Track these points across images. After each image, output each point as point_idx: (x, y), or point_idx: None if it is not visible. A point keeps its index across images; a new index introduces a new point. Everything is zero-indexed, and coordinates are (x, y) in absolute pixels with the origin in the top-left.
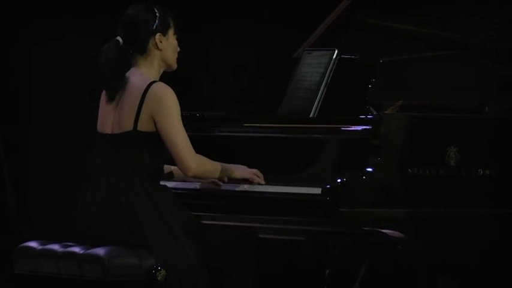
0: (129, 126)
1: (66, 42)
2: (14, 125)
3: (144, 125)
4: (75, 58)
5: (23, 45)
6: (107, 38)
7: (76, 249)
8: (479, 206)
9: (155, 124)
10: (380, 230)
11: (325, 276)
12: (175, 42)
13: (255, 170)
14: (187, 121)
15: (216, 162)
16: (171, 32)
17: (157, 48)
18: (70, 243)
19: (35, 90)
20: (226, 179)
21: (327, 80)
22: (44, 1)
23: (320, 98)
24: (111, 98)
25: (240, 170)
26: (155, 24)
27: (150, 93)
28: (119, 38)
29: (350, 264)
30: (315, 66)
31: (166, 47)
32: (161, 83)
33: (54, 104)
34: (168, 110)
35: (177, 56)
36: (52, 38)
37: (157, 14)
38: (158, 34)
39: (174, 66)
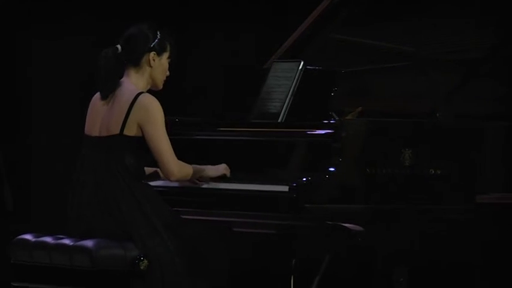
0: (116, 131)
1: (66, 42)
2: (12, 124)
3: (130, 130)
4: (75, 58)
5: (22, 45)
6: (103, 40)
7: (67, 241)
8: (431, 202)
9: (142, 131)
10: (342, 223)
11: (292, 265)
12: (167, 65)
13: (223, 166)
14: (166, 126)
15: (192, 166)
16: (165, 55)
17: (149, 65)
18: (61, 236)
19: (34, 88)
20: (197, 180)
21: (294, 89)
22: (44, 1)
23: (287, 105)
24: (104, 98)
25: (211, 170)
26: (154, 43)
27: (137, 103)
28: (118, 46)
29: (315, 255)
30: (283, 76)
31: (157, 66)
32: (148, 94)
33: (50, 103)
34: (154, 119)
35: (165, 78)
36: (52, 39)
37: (158, 36)
38: (153, 52)
39: (160, 86)
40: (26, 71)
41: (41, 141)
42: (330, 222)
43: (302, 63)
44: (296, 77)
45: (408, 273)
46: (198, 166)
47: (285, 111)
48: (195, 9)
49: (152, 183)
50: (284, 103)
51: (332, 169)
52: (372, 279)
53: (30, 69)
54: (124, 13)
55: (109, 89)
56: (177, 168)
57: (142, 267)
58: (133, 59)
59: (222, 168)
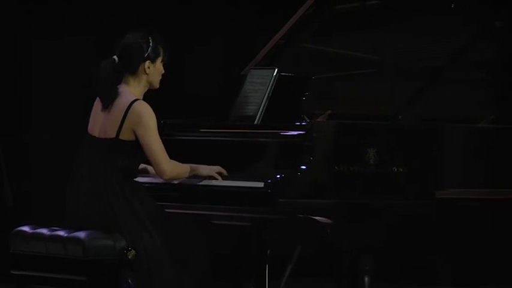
0: (112, 134)
1: (66, 42)
2: (12, 121)
3: (125, 135)
4: (75, 58)
5: (23, 45)
6: (103, 40)
7: (61, 232)
8: (394, 197)
9: (135, 135)
10: (312, 217)
11: (267, 255)
12: (161, 67)
13: (217, 167)
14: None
15: (186, 165)
16: (159, 60)
17: (145, 72)
18: (56, 228)
19: (34, 86)
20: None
21: (269, 93)
22: (44, 1)
23: (263, 108)
24: (105, 107)
25: (206, 170)
26: (147, 52)
27: (132, 109)
28: (115, 57)
29: (288, 245)
30: (259, 82)
31: (153, 72)
32: (142, 101)
33: (50, 101)
34: (146, 124)
35: (160, 77)
36: (52, 39)
37: (150, 44)
38: (148, 61)
39: (157, 86)
40: (26, 71)
41: (40, 138)
42: (302, 216)
43: (276, 70)
44: (271, 83)
45: (372, 261)
46: (193, 165)
47: (260, 114)
48: (195, 9)
49: (141, 180)
50: (260, 107)
51: (304, 167)
52: (340, 268)
53: (31, 69)
54: (124, 13)
55: (109, 100)
56: (169, 168)
57: (130, 257)
58: (130, 69)
59: (216, 169)
